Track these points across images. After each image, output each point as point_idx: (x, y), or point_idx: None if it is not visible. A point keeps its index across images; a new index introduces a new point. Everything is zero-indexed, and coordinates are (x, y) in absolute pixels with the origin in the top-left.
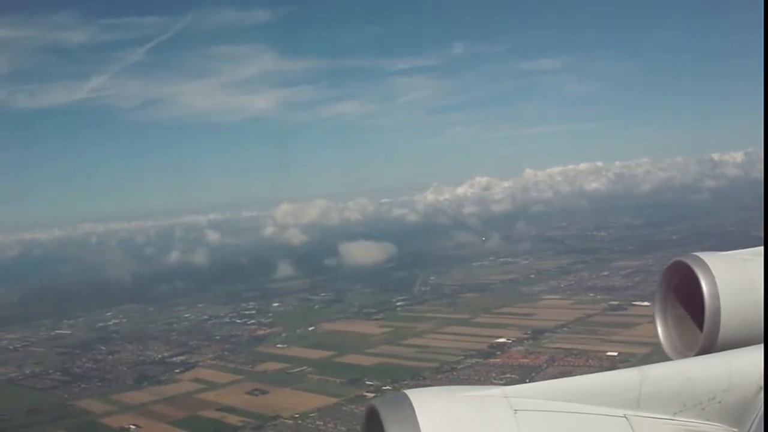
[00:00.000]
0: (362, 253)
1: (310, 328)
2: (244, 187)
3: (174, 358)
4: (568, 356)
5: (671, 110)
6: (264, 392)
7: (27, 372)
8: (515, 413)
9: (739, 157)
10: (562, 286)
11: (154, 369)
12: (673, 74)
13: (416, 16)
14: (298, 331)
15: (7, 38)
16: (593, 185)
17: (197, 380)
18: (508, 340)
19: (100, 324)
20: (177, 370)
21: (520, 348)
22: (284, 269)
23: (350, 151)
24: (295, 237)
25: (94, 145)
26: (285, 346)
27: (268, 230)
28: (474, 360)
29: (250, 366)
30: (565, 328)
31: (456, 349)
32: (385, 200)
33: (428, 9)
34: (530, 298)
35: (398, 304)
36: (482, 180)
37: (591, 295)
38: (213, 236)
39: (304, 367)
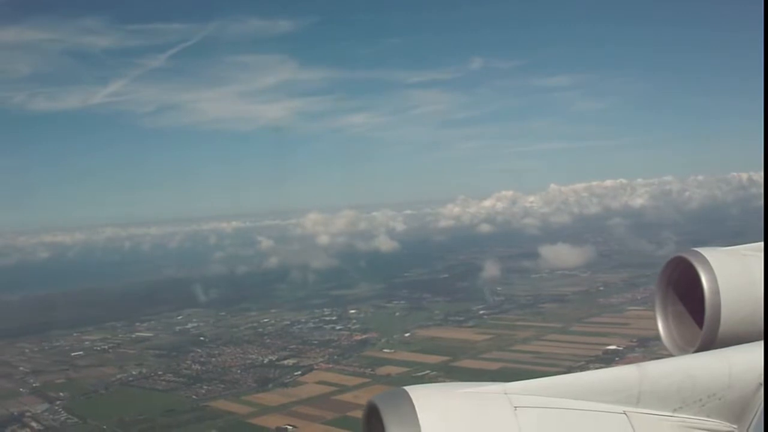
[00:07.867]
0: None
1: (406, 334)
2: (261, 196)
3: (284, 362)
4: None
5: (685, 128)
6: None
7: (134, 374)
8: (515, 410)
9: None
10: (639, 298)
11: (269, 371)
12: (687, 92)
13: (433, 30)
14: (395, 336)
15: (35, 40)
16: (638, 201)
17: (324, 383)
18: (618, 347)
19: (178, 327)
20: (296, 373)
21: (636, 354)
22: (337, 277)
23: (367, 162)
24: (337, 245)
25: (108, 149)
26: (392, 350)
27: (321, 239)
28: (597, 365)
29: (371, 369)
30: None
31: (572, 356)
32: (408, 212)
33: (445, 23)
34: (614, 309)
35: (481, 312)
36: (508, 194)
37: None
38: (251, 243)
39: (427, 371)
